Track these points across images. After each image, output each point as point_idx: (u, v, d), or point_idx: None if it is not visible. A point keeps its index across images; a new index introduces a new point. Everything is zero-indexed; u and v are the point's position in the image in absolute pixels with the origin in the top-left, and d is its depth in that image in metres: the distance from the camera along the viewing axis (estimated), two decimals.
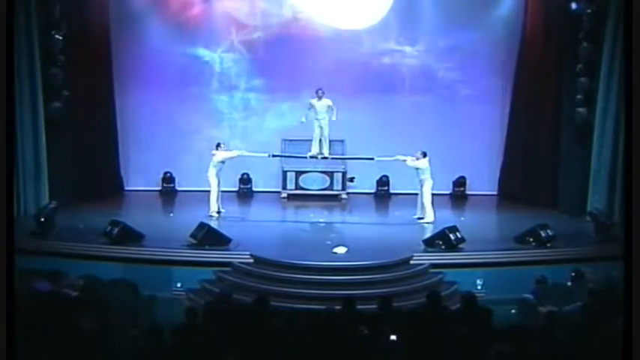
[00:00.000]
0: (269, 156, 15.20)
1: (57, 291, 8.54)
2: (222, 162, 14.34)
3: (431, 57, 17.27)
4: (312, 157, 15.10)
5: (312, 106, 15.01)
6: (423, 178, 13.96)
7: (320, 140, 15.05)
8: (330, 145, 15.40)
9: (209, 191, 14.32)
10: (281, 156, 16.10)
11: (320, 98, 15.04)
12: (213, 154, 14.32)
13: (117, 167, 17.38)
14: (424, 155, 14.06)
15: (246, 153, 14.96)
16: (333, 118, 15.03)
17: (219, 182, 14.29)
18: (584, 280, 9.69)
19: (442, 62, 17.25)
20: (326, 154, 15.14)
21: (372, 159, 15.44)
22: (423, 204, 13.97)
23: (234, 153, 14.62)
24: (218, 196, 14.33)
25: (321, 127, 14.99)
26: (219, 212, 14.28)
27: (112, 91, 16.91)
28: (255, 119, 17.56)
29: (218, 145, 14.45)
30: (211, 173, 14.25)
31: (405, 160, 14.25)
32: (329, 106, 15.00)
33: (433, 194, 14.16)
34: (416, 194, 14.29)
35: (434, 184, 14.09)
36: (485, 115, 17.48)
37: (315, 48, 17.20)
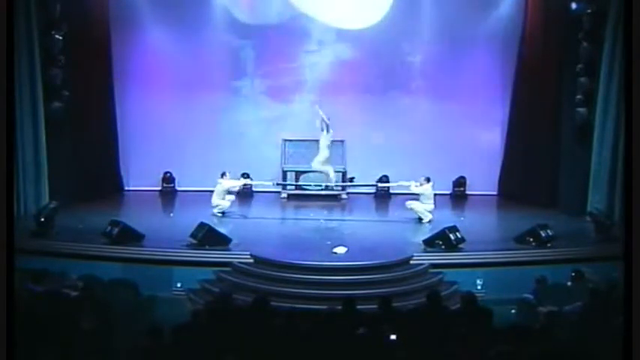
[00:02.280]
0: (273, 184, 15.51)
1: (56, 291, 8.53)
2: (227, 191, 14.38)
3: (431, 57, 17.25)
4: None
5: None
6: (427, 204, 13.93)
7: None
8: (330, 146, 15.43)
9: (209, 191, 14.34)
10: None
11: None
12: (219, 183, 14.32)
13: (117, 167, 17.37)
14: (427, 181, 13.99)
15: (250, 182, 15.23)
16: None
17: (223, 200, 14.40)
18: (584, 280, 9.69)
19: (442, 62, 17.22)
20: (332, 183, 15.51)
21: (376, 186, 15.88)
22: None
23: (239, 182, 14.79)
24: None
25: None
26: (223, 213, 14.29)
27: (112, 91, 16.90)
28: (255, 119, 17.54)
29: (223, 174, 14.43)
30: (215, 200, 14.28)
31: (408, 186, 14.24)
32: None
33: (435, 194, 14.21)
34: (416, 194, 14.25)
35: (434, 183, 14.09)
36: (486, 115, 17.50)
37: (315, 48, 17.20)
